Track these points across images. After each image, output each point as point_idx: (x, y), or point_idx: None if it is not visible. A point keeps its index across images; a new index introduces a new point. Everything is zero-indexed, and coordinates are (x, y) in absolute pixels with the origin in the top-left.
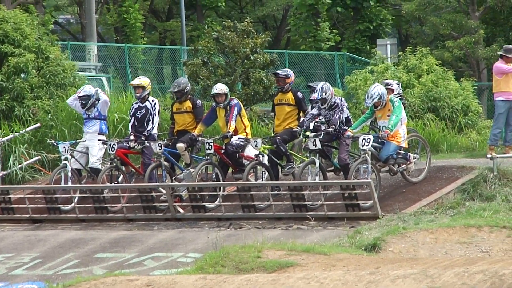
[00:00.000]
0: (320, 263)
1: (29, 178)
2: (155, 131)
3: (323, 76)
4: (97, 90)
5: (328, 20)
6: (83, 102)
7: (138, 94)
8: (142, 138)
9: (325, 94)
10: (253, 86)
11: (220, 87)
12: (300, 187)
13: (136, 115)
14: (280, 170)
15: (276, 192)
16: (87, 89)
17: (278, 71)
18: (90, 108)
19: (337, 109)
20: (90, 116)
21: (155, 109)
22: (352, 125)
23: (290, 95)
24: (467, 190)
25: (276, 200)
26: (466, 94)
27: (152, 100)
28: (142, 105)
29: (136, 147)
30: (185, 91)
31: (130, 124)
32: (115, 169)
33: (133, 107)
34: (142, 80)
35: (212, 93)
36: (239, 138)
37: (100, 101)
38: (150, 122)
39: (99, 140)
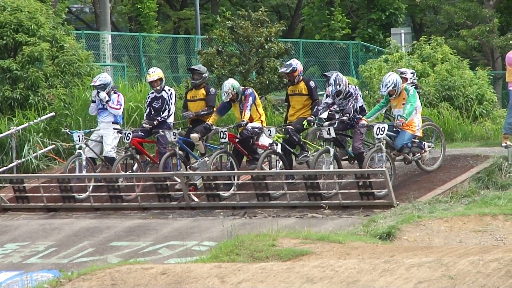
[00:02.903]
0: (335, 252)
1: (44, 167)
2: (170, 119)
3: (338, 65)
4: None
5: (342, 9)
6: (99, 91)
7: (158, 88)
8: (155, 122)
9: (339, 86)
10: (268, 75)
11: (227, 89)
12: (315, 175)
13: (153, 105)
14: (294, 159)
15: (290, 180)
16: (103, 78)
17: (282, 69)
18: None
19: (351, 98)
20: (105, 107)
21: (171, 98)
22: (367, 114)
23: (302, 85)
24: (482, 179)
25: (291, 189)
26: (481, 83)
27: (169, 90)
28: (158, 95)
29: (147, 126)
30: (203, 75)
31: (145, 114)
32: (129, 157)
33: (149, 97)
34: (157, 72)
35: (222, 97)
36: (252, 127)
37: (114, 96)
38: (166, 111)
39: (114, 129)
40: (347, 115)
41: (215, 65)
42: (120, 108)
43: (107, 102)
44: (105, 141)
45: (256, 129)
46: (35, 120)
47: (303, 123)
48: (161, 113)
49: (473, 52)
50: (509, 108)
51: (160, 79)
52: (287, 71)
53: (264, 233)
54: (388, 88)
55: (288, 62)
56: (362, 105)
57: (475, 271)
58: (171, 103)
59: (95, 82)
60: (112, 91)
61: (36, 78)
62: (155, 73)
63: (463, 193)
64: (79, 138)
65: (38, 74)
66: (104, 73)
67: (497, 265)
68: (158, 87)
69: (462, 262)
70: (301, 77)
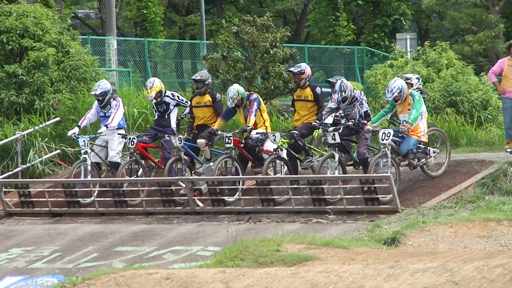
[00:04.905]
0: (340, 257)
1: (49, 172)
2: (174, 125)
3: (343, 70)
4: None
5: (347, 14)
6: (100, 98)
7: (159, 99)
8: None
9: (344, 93)
10: (273, 80)
11: (232, 94)
12: (320, 181)
13: (159, 109)
14: (299, 164)
15: (295, 186)
16: (103, 85)
17: (291, 68)
18: (106, 105)
19: (356, 103)
20: (107, 114)
21: (181, 100)
22: (372, 119)
23: (308, 90)
24: (487, 184)
25: (296, 194)
26: (486, 89)
27: (172, 94)
28: (160, 100)
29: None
30: (206, 82)
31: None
32: (134, 163)
33: (153, 102)
34: (154, 87)
35: (227, 103)
36: (257, 132)
37: (115, 106)
38: (187, 108)
39: (118, 134)
40: (352, 120)
41: (220, 70)
42: (117, 113)
43: (106, 125)
44: (110, 146)
45: (260, 136)
46: (40, 125)
47: (314, 133)
48: (168, 117)
49: (478, 57)
50: (503, 114)
51: (159, 92)
52: (295, 70)
53: (268, 238)
54: (393, 93)
55: (298, 64)
56: (367, 110)
57: (480, 277)
58: (186, 102)
59: (95, 90)
60: (112, 98)
61: (41, 83)
62: (152, 88)
63: (468, 198)
64: (85, 143)
65: (43, 79)
66: (103, 80)
67: (501, 271)
68: (159, 99)
69: (466, 268)
70: (308, 82)
